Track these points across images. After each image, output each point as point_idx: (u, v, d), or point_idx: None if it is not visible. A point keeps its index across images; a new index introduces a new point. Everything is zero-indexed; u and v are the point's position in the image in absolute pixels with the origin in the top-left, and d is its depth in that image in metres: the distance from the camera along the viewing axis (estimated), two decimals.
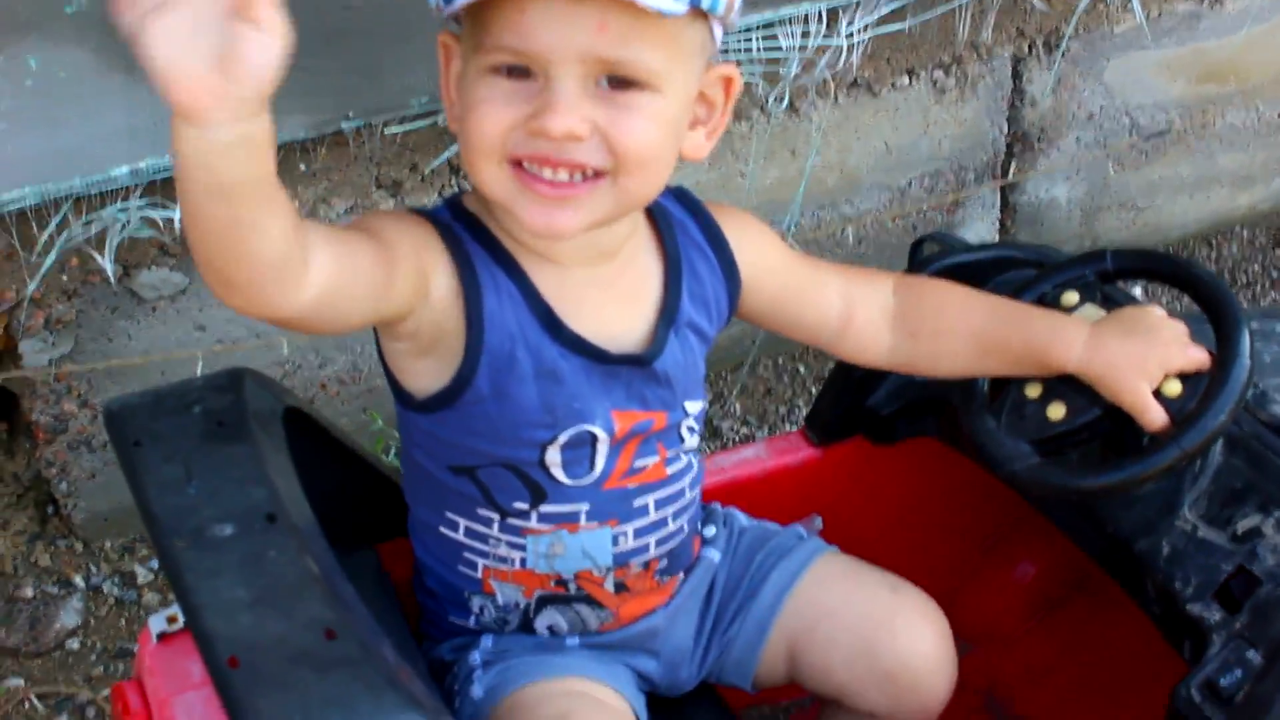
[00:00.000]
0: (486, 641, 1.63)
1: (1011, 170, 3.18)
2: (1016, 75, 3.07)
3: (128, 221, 2.40)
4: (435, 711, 1.24)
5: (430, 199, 2.72)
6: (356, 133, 2.54)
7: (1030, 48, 3.04)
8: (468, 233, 1.47)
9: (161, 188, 2.42)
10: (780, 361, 3.14)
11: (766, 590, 1.74)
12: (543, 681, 1.57)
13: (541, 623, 1.63)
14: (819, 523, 1.92)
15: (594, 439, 1.52)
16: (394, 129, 2.54)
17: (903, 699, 1.70)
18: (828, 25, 2.70)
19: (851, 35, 2.71)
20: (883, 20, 2.79)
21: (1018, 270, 1.91)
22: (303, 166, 2.55)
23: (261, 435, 1.49)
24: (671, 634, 1.71)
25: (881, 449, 2.03)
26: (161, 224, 2.46)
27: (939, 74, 2.97)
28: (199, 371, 2.63)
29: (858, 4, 2.71)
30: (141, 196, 2.41)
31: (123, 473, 1.45)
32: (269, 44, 1.07)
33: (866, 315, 1.70)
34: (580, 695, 1.57)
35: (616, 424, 1.53)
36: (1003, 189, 3.21)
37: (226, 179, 1.14)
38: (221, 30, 1.06)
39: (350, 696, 1.21)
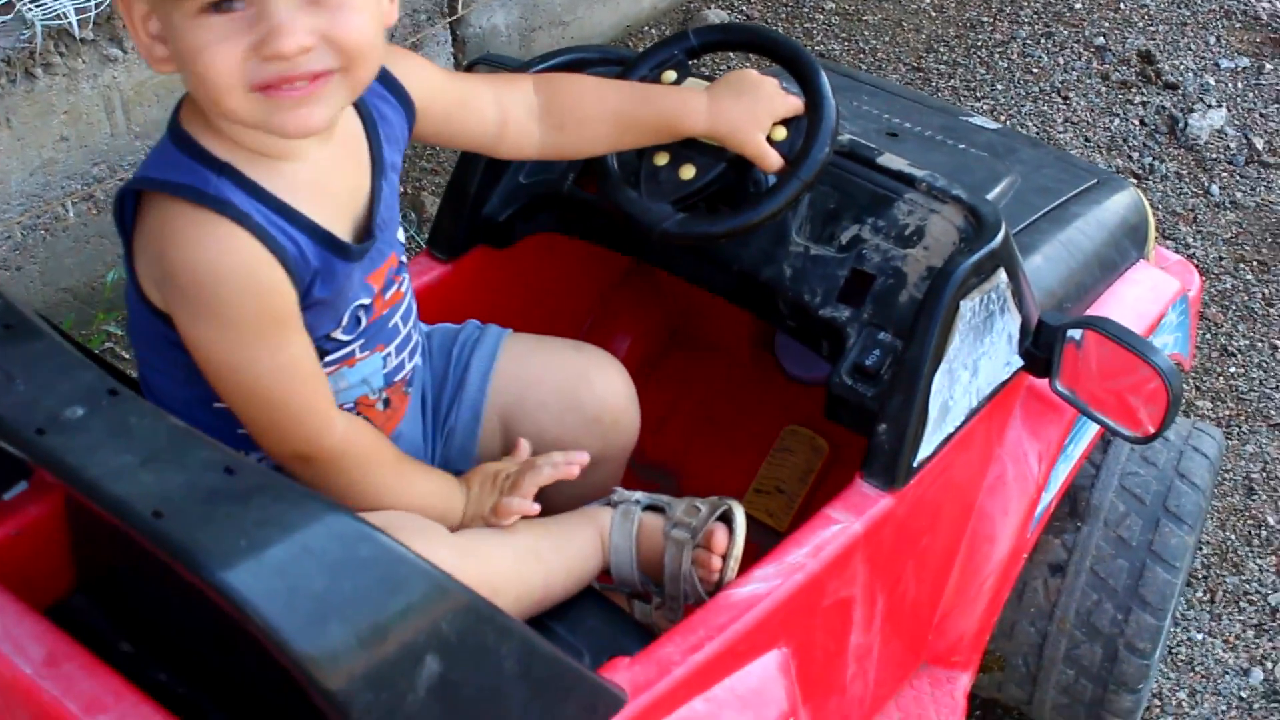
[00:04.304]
0: None
1: (459, 6, 3.39)
2: None
3: None
4: (350, 511, 1.36)
5: None
6: None
7: None
8: (241, 192, 1.53)
9: None
10: None
11: (471, 378, 1.93)
12: None
13: None
14: None
15: (363, 304, 1.69)
16: None
17: (609, 436, 1.94)
18: None
19: None
20: None
21: (595, 69, 2.15)
22: None
23: (48, 329, 1.53)
24: (411, 440, 1.87)
25: (501, 253, 2.23)
26: None
27: None
28: None
29: None
30: None
31: None
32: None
33: (516, 115, 1.90)
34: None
35: (374, 285, 1.70)
36: (451, 25, 3.42)
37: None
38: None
39: (278, 514, 1.32)
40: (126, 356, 3.00)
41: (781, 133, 1.93)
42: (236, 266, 1.53)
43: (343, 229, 1.63)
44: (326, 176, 1.62)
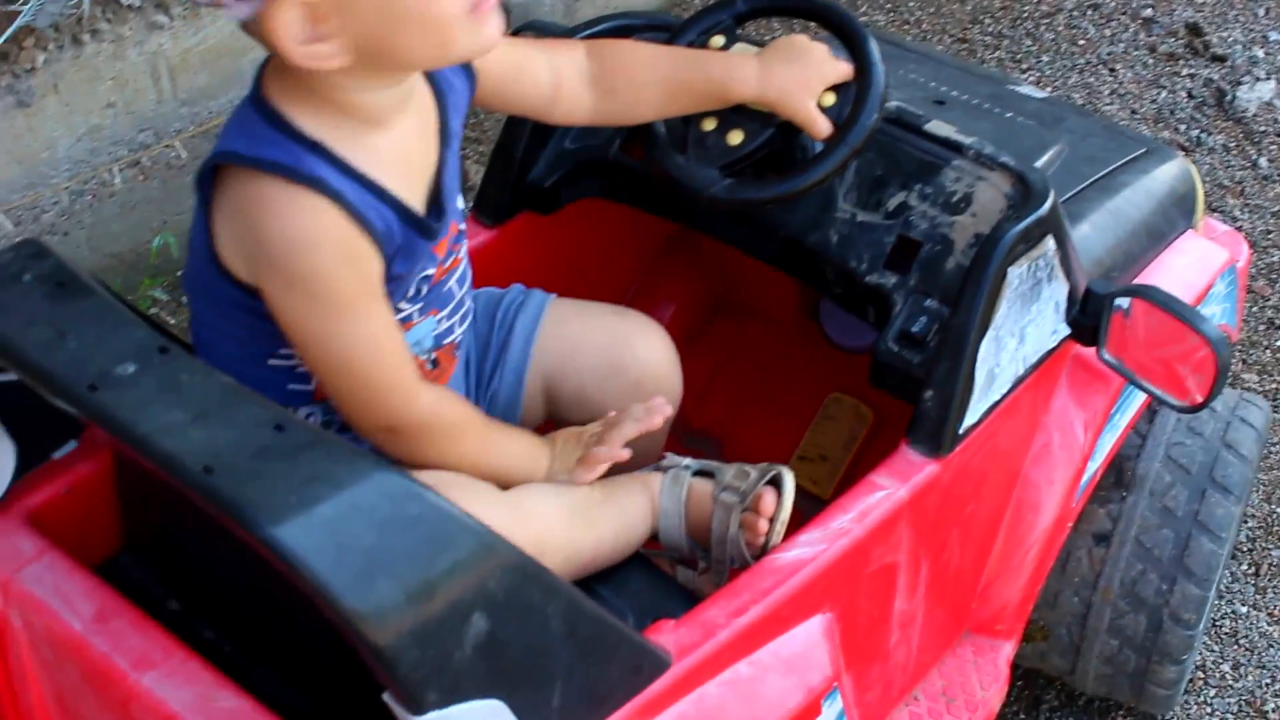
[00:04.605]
0: None
1: None
2: None
3: None
4: (399, 469, 1.37)
5: None
6: None
7: None
8: (332, 170, 1.55)
9: None
10: None
11: (515, 342, 1.93)
12: None
13: None
14: None
15: (427, 274, 1.71)
16: None
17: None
18: None
19: None
20: None
21: (642, 35, 2.14)
22: None
23: (99, 287, 1.54)
24: None
25: (546, 218, 2.23)
26: None
27: None
28: None
29: None
30: None
31: None
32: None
33: (569, 80, 1.90)
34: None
35: (438, 254, 1.71)
36: None
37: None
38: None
39: (327, 471, 1.33)
40: (173, 322, 3.02)
41: (830, 99, 1.92)
42: (330, 240, 1.54)
43: (418, 202, 1.65)
44: (407, 148, 1.64)
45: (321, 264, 1.55)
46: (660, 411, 1.79)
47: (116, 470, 1.80)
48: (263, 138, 1.55)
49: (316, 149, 1.55)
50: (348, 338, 1.59)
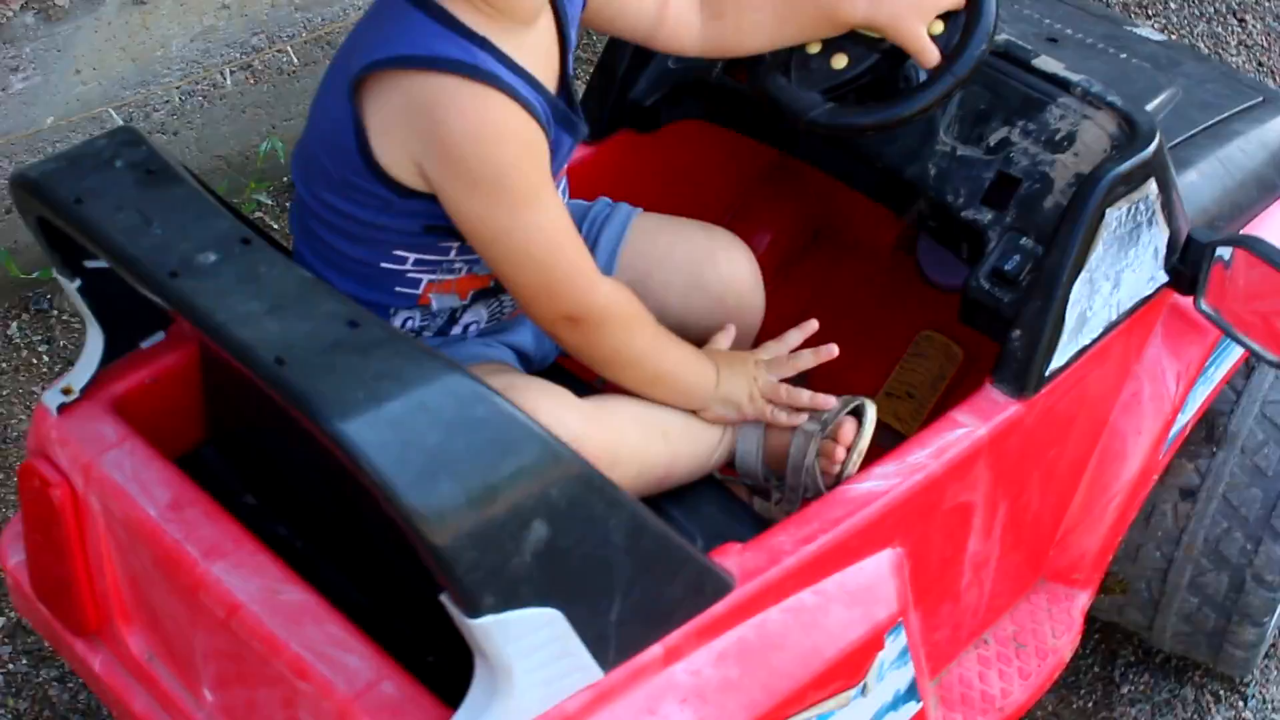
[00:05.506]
0: None
1: None
2: None
3: None
4: (468, 371, 1.37)
5: None
6: None
7: None
8: (501, 66, 1.56)
9: None
10: None
11: (599, 254, 1.93)
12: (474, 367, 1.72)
13: (466, 319, 1.78)
14: None
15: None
16: None
17: (733, 318, 1.93)
18: None
19: None
20: None
21: None
22: None
23: (188, 177, 1.56)
24: None
25: (645, 137, 2.22)
26: None
27: None
28: None
29: None
30: None
31: (74, 232, 1.49)
32: None
33: (676, 3, 1.87)
34: (502, 373, 1.73)
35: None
36: None
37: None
38: None
39: (397, 369, 1.33)
40: (276, 226, 3.05)
41: (939, 27, 1.88)
42: (514, 133, 1.57)
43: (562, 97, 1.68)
44: (546, 46, 1.65)
45: (508, 158, 1.56)
46: (829, 354, 1.85)
47: (202, 364, 1.82)
48: (435, 35, 1.56)
49: (485, 45, 1.56)
50: (531, 228, 1.60)
